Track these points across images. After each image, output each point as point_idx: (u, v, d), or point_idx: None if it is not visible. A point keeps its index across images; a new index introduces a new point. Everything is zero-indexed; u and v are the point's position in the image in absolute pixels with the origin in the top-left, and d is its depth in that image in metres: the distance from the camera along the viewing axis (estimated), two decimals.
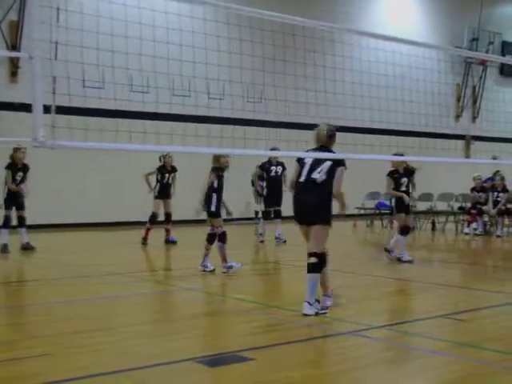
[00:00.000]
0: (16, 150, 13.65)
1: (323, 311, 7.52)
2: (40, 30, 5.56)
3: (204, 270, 10.56)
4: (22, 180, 13.82)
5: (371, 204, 21.02)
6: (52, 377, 5.14)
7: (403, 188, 12.44)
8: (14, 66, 19.18)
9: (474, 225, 18.50)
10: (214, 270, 10.55)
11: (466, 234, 18.44)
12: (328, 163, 7.54)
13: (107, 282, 9.94)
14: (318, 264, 7.68)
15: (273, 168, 15.49)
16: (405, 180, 12.47)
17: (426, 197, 20.40)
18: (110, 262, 12.29)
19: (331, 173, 7.52)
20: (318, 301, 7.63)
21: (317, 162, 7.59)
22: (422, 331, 6.79)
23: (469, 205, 18.96)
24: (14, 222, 13.81)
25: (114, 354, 5.82)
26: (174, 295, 9.21)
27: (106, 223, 20.23)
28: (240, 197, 23.09)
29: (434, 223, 20.06)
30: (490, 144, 24.33)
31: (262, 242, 15.46)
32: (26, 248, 13.69)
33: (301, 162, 7.74)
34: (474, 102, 30.77)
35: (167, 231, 14.88)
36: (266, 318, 7.37)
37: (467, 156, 28.98)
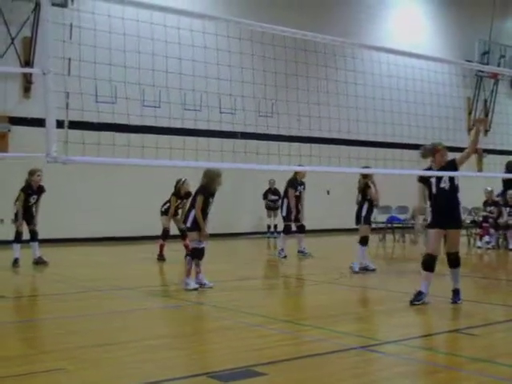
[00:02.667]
0: (32, 173, 13.66)
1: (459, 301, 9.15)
2: (53, 46, 5.62)
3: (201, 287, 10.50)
4: (36, 202, 13.92)
5: (383, 218, 20.99)
6: None
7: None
8: (27, 82, 19.33)
9: (485, 238, 18.44)
10: (212, 286, 10.52)
11: (479, 247, 18.37)
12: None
13: (119, 296, 9.96)
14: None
15: (299, 188, 15.63)
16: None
17: None
18: (121, 277, 12.31)
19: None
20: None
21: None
22: (435, 346, 6.76)
23: (481, 218, 18.90)
24: (25, 236, 13.87)
25: (126, 368, 5.82)
26: (186, 310, 9.21)
27: (118, 238, 20.28)
28: (252, 211, 23.14)
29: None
30: (503, 157, 24.24)
31: (285, 257, 15.40)
32: (39, 262, 13.74)
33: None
34: (486, 115, 30.70)
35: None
36: (279, 333, 7.36)
37: (479, 169, 28.90)
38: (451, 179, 9.25)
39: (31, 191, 13.79)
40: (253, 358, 6.13)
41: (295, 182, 15.61)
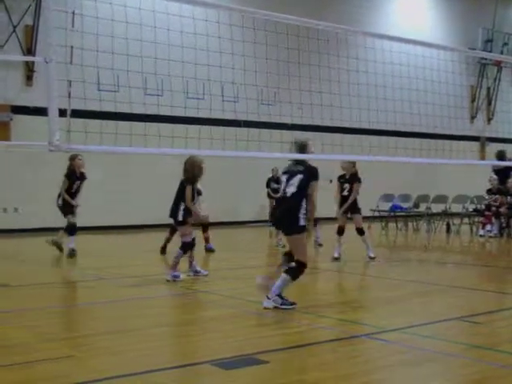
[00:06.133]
0: (74, 157, 13.22)
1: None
2: (55, 34, 5.61)
3: (195, 275, 10.53)
4: (78, 190, 13.49)
5: (386, 206, 20.98)
6: (72, 379, 5.16)
7: (345, 193, 12.87)
8: (29, 70, 19.30)
9: (488, 227, 18.44)
10: (207, 274, 10.56)
11: (481, 236, 18.37)
12: (299, 176, 8.01)
13: (125, 284, 9.97)
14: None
15: None
16: (346, 186, 12.88)
17: (441, 199, 20.34)
18: (128, 265, 12.33)
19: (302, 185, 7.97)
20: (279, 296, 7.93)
21: (291, 176, 8.07)
22: (437, 334, 6.77)
23: (483, 207, 18.89)
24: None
25: (133, 356, 5.84)
26: (191, 298, 9.24)
27: (125, 226, 20.28)
28: (254, 200, 23.14)
29: (448, 225, 19.99)
30: (506, 145, 24.22)
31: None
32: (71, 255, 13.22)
33: (280, 180, 8.28)
34: (489, 103, 30.67)
35: (206, 239, 14.17)
36: (281, 321, 7.38)
37: (482, 158, 28.89)
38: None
39: (75, 177, 13.36)
40: (255, 346, 6.15)
41: None
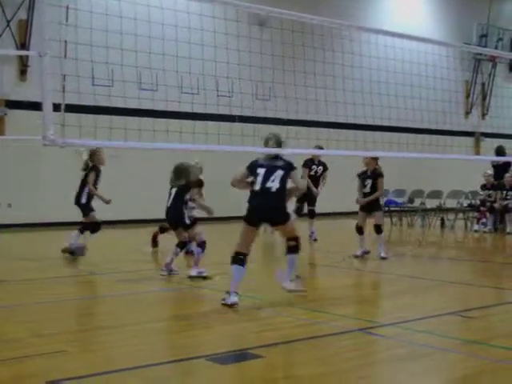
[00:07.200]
0: (97, 151, 12.45)
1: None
2: (49, 28, 5.59)
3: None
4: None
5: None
6: (66, 374, 5.15)
7: (366, 189, 12.68)
8: (23, 65, 19.23)
9: (482, 222, 18.45)
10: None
11: (476, 231, 18.40)
12: (280, 172, 8.11)
13: (119, 279, 9.95)
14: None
15: (314, 167, 15.63)
16: (368, 182, 12.65)
17: (436, 194, 20.36)
18: (123, 260, 12.30)
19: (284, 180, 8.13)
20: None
21: (271, 171, 8.12)
22: (432, 329, 6.78)
23: (478, 202, 18.91)
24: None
25: (126, 351, 5.84)
26: (185, 293, 9.23)
27: (121, 221, 20.23)
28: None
29: (443, 221, 20.01)
30: (500, 141, 24.26)
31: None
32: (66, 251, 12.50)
33: (254, 171, 8.23)
34: (484, 98, 30.68)
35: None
36: (277, 316, 7.38)
37: (477, 153, 28.91)
38: None
39: (99, 170, 12.63)
40: (250, 341, 6.15)
41: (309, 162, 15.65)
